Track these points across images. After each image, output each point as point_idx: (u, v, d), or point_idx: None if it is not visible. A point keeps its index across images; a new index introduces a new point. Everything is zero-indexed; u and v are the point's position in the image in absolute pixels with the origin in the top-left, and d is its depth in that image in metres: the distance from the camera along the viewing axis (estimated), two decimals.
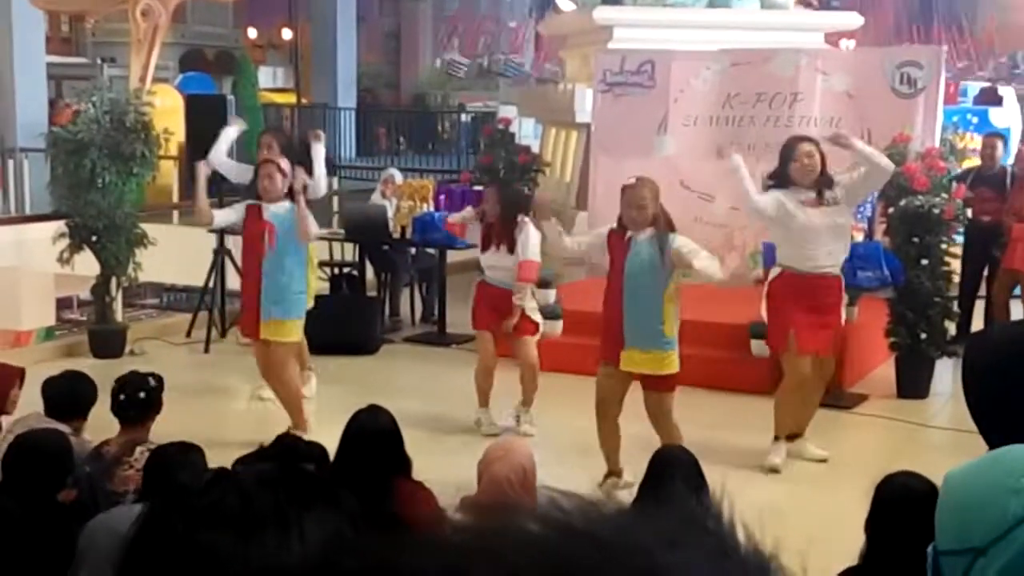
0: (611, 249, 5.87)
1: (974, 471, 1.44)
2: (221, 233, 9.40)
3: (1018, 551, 1.29)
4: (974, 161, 9.49)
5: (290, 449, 4.45)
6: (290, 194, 6.65)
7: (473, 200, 9.68)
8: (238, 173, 7.71)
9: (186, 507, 1.25)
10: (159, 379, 4.91)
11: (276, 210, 6.63)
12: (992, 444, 1.86)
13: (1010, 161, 10.12)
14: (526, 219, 6.91)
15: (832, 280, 6.33)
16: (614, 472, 5.98)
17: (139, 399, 4.75)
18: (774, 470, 6.33)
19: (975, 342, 2.27)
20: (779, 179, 6.31)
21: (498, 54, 31.65)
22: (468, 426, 6.92)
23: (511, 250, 6.94)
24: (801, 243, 6.23)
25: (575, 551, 0.65)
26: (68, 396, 5.00)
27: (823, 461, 6.48)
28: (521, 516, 0.67)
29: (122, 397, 4.73)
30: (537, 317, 7.04)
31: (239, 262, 9.33)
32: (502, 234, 6.98)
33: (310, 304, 6.96)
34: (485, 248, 7.08)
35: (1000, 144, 9.55)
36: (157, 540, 1.24)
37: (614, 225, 5.89)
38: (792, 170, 6.24)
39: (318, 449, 4.75)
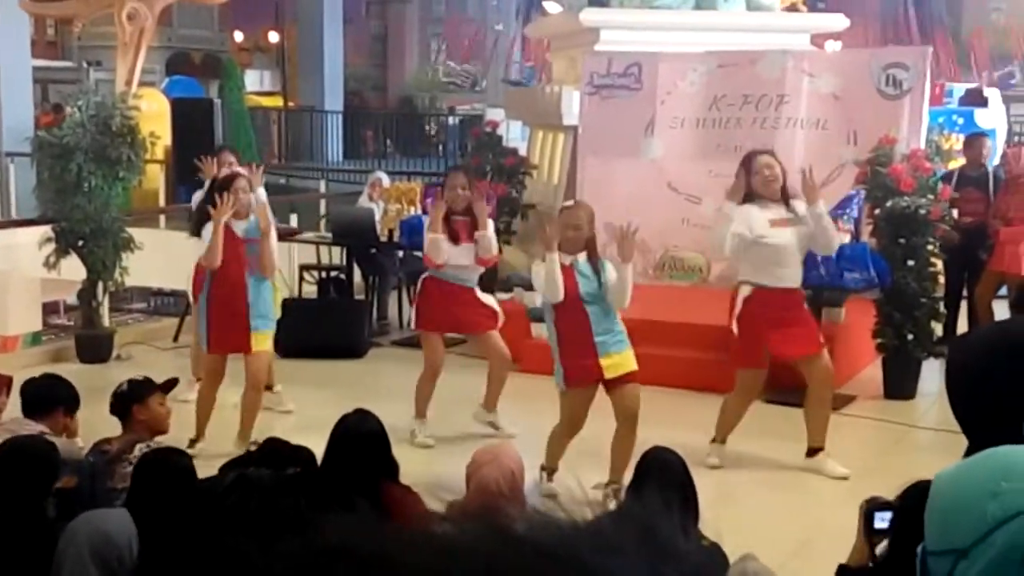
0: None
1: (958, 473, 1.45)
2: None
3: (997, 554, 1.30)
4: (960, 162, 9.53)
5: (277, 453, 4.45)
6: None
7: None
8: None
9: (207, 509, 1.26)
10: (144, 377, 4.99)
11: (248, 226, 6.59)
12: (974, 444, 1.86)
13: (995, 162, 10.16)
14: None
15: (797, 294, 6.47)
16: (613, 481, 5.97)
17: (119, 392, 4.87)
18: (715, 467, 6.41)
19: (958, 343, 2.29)
20: (746, 195, 6.38)
21: (496, 63, 31.59)
22: (456, 430, 6.91)
23: (470, 234, 6.73)
24: (774, 264, 6.30)
25: (510, 557, 0.65)
26: (42, 393, 5.08)
27: (844, 479, 6.38)
28: (467, 522, 0.68)
29: (111, 401, 4.80)
30: (496, 306, 6.92)
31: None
32: (465, 229, 6.71)
33: (278, 313, 7.02)
34: (455, 243, 6.74)
35: (988, 143, 9.58)
36: (179, 541, 1.25)
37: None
38: (755, 184, 6.34)
39: (305, 453, 4.75)
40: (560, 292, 5.74)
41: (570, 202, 6.03)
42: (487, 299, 6.87)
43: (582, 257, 5.87)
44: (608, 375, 5.84)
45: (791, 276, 6.35)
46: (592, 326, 5.81)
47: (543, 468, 6.08)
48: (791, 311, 6.37)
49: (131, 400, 4.83)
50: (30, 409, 4.99)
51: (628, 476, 5.77)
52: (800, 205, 6.33)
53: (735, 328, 6.45)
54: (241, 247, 6.52)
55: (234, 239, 6.53)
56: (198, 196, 7.68)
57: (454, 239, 6.72)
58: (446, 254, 6.69)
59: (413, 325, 7.09)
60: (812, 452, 6.52)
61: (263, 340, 6.68)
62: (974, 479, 1.38)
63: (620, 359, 5.87)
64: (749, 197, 6.35)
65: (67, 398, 5.12)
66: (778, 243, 6.25)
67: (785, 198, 6.34)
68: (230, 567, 1.06)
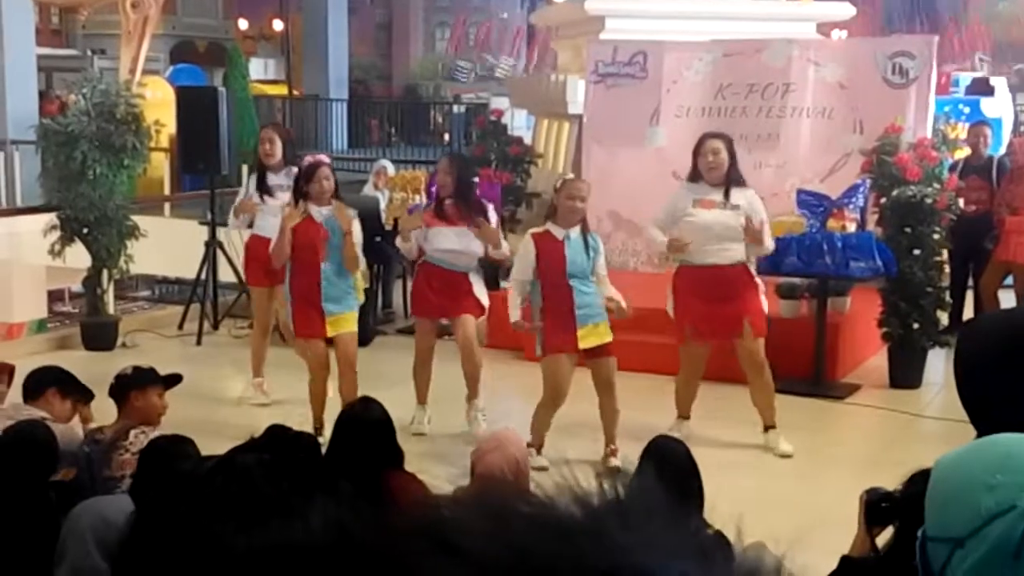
0: (544, 253, 6.09)
1: (958, 460, 1.45)
2: (212, 225, 9.39)
3: (990, 547, 1.30)
4: (966, 151, 9.50)
5: (280, 439, 4.45)
6: (336, 195, 6.59)
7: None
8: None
9: (190, 494, 1.25)
10: (151, 368, 5.00)
11: (328, 213, 6.50)
12: (981, 433, 1.86)
13: (1001, 151, 10.12)
14: (489, 206, 6.92)
15: (731, 270, 6.42)
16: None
17: (122, 375, 4.89)
18: (786, 455, 6.47)
19: (966, 331, 2.28)
20: (691, 174, 6.55)
21: (496, 56, 31.51)
22: (461, 417, 6.90)
23: (464, 216, 6.68)
24: (698, 242, 6.40)
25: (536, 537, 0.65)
26: (35, 377, 5.14)
27: (787, 456, 6.43)
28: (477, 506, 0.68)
29: (112, 384, 4.81)
30: (485, 300, 6.84)
31: (230, 254, 9.35)
32: (457, 213, 6.68)
33: (360, 298, 6.83)
34: (435, 226, 6.72)
35: (987, 132, 9.54)
36: (162, 528, 1.24)
37: (537, 229, 6.24)
38: (699, 164, 6.47)
39: (309, 439, 4.74)
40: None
41: (570, 175, 6.20)
42: (479, 290, 6.78)
43: (575, 232, 6.07)
44: (582, 345, 6.04)
45: (717, 255, 6.40)
46: (575, 299, 6.03)
47: (529, 444, 6.11)
48: (722, 288, 6.38)
49: (131, 385, 4.83)
50: (25, 396, 5.05)
51: (625, 447, 5.86)
52: (739, 195, 6.39)
53: (669, 307, 6.59)
54: (319, 233, 6.47)
55: (313, 224, 6.50)
56: (252, 184, 7.62)
57: (435, 223, 6.70)
58: (416, 246, 6.75)
59: (410, 311, 7.13)
60: (766, 428, 6.61)
61: (340, 323, 6.55)
62: (971, 470, 1.38)
63: (595, 330, 6.06)
64: (694, 176, 6.52)
65: (56, 379, 5.14)
66: (698, 221, 6.40)
67: (727, 184, 6.39)
68: (211, 551, 1.05)
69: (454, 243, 6.66)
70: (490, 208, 6.87)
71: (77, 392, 5.22)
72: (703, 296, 6.41)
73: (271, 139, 7.69)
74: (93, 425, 5.19)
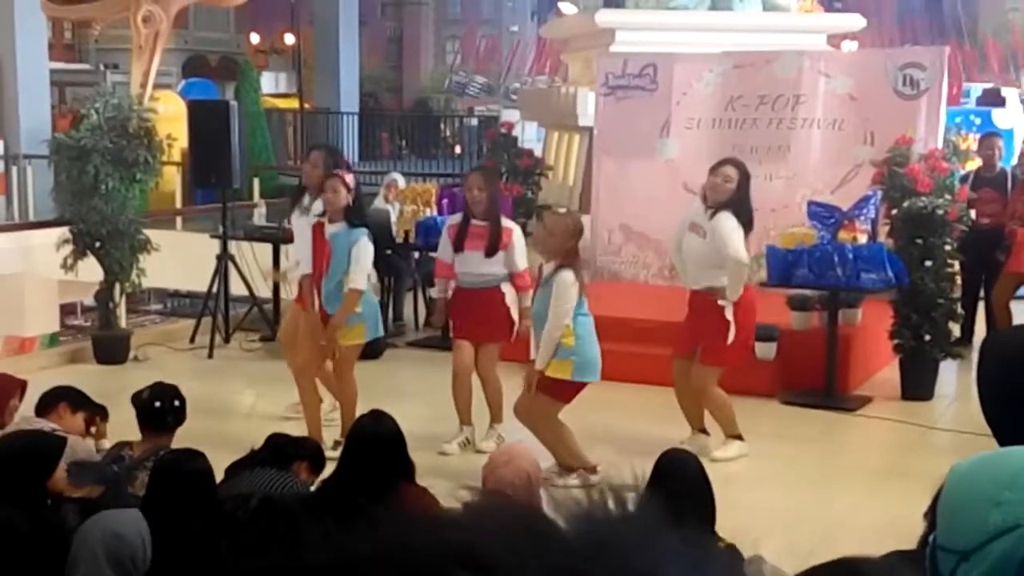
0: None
1: (969, 471, 1.44)
2: (224, 239, 9.41)
3: (992, 564, 1.30)
4: (977, 163, 9.48)
5: (281, 449, 4.46)
6: (349, 212, 6.48)
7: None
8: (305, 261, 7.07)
9: (236, 537, 1.26)
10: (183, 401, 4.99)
11: (334, 230, 6.47)
12: (1002, 442, 1.85)
13: (1013, 162, 10.09)
14: (514, 225, 6.83)
15: (704, 296, 6.42)
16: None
17: (173, 407, 4.83)
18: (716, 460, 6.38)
19: (990, 343, 2.27)
20: (702, 193, 6.58)
21: (505, 71, 31.57)
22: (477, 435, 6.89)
23: (489, 252, 6.59)
24: (685, 263, 6.59)
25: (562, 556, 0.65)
26: (47, 392, 5.20)
27: (715, 460, 6.35)
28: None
29: (157, 404, 4.79)
30: (516, 318, 6.69)
31: (242, 268, 9.38)
32: (485, 233, 6.61)
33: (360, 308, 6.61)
34: (459, 248, 6.66)
35: (1000, 143, 9.52)
36: (208, 570, 1.25)
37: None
38: (707, 184, 6.52)
39: (312, 444, 4.74)
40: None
41: (562, 210, 6.30)
42: (511, 301, 6.65)
43: (549, 267, 5.98)
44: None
45: (694, 278, 6.50)
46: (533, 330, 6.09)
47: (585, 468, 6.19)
48: (695, 311, 6.49)
49: (173, 423, 4.83)
50: (38, 412, 5.11)
51: (640, 461, 5.84)
52: (708, 226, 6.39)
53: None
54: (325, 248, 6.48)
55: (322, 239, 6.52)
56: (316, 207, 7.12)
57: (460, 247, 6.65)
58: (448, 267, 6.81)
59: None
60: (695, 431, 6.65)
61: (344, 334, 6.52)
62: (981, 483, 1.38)
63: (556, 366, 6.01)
64: (705, 196, 6.54)
65: (66, 394, 5.19)
66: (686, 246, 6.52)
67: (717, 209, 6.37)
68: None
69: (481, 266, 6.62)
70: (516, 231, 6.73)
71: (88, 407, 5.25)
72: (687, 317, 6.58)
73: (316, 162, 7.32)
74: (105, 441, 5.21)
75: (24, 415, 5.16)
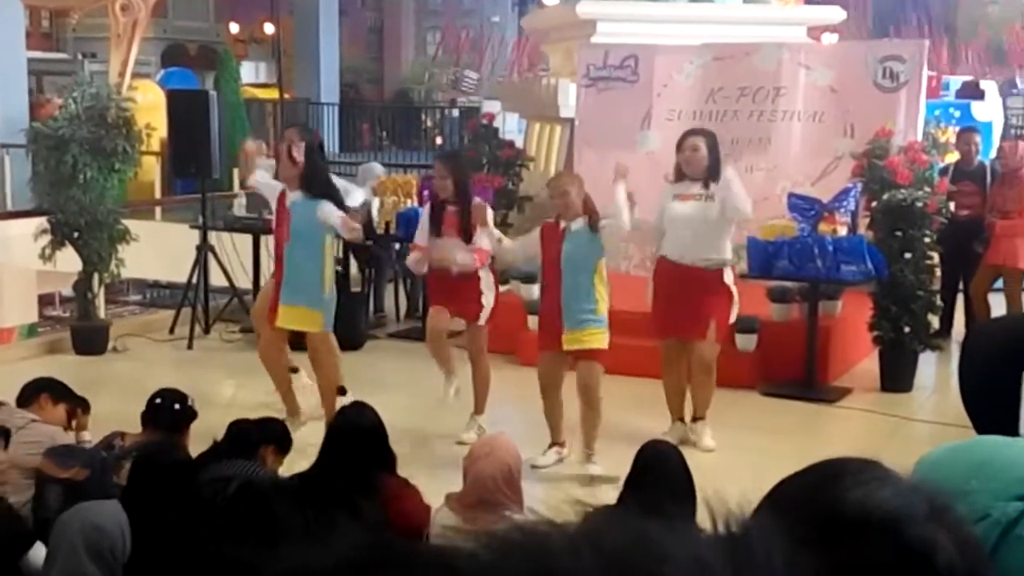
0: (546, 240, 6.14)
1: (938, 462, 1.44)
2: (204, 229, 9.38)
3: None
4: (956, 155, 9.52)
5: (244, 435, 4.44)
6: (306, 181, 6.52)
7: None
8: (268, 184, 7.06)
9: (214, 523, 1.26)
10: (190, 407, 4.99)
11: (294, 197, 6.55)
12: (981, 435, 1.86)
13: (992, 155, 10.14)
14: (484, 202, 6.75)
15: (703, 274, 6.42)
16: (557, 443, 6.36)
17: (171, 408, 4.84)
18: (708, 450, 6.50)
19: (972, 335, 2.28)
20: (675, 173, 6.56)
21: (491, 64, 31.43)
22: (453, 422, 6.90)
23: (466, 237, 6.53)
24: (671, 234, 6.50)
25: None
26: (27, 384, 5.22)
27: (709, 451, 6.46)
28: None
29: (158, 400, 4.80)
30: (489, 300, 6.67)
31: (221, 258, 9.35)
32: (456, 219, 6.56)
33: (326, 295, 6.71)
34: (436, 234, 6.62)
35: (977, 138, 9.56)
36: (188, 556, 1.25)
37: (550, 220, 6.23)
38: (679, 161, 6.50)
39: (276, 426, 4.70)
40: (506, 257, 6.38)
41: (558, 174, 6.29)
42: (487, 292, 6.66)
43: (576, 223, 6.02)
44: (566, 347, 6.03)
45: (690, 251, 6.42)
46: (564, 293, 6.01)
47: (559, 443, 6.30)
48: (691, 289, 6.41)
49: (171, 427, 4.81)
50: (19, 404, 5.07)
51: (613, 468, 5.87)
52: (717, 190, 6.37)
53: (649, 298, 6.65)
54: (286, 215, 6.55)
55: (283, 207, 6.59)
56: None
57: (437, 233, 6.61)
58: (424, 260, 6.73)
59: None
60: (694, 419, 6.67)
61: (296, 318, 6.59)
62: (948, 474, 1.38)
63: (581, 336, 6.00)
64: (678, 175, 6.54)
65: (47, 385, 5.19)
66: (675, 215, 6.45)
67: (707, 177, 6.40)
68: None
69: (454, 251, 6.57)
70: (488, 212, 6.72)
71: (70, 399, 5.23)
72: (675, 293, 6.46)
73: (292, 139, 7.29)
74: (86, 434, 5.19)
75: (6, 406, 5.13)
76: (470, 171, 6.90)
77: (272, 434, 4.57)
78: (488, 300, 6.65)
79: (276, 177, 6.78)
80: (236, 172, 7.55)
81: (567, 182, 6.19)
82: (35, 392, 5.15)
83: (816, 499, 0.99)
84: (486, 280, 6.65)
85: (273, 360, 6.81)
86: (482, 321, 6.67)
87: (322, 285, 6.61)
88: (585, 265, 6.01)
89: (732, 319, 6.68)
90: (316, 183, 6.56)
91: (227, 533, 1.02)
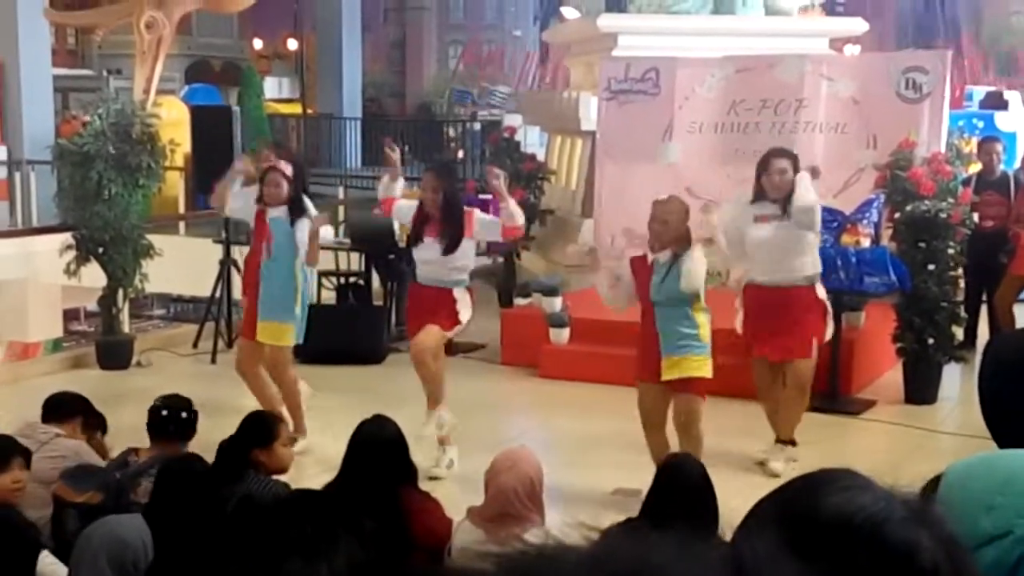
0: (636, 274, 5.92)
1: (967, 473, 1.43)
2: (227, 244, 9.42)
3: (984, 570, 1.28)
4: (979, 166, 9.47)
5: (228, 453, 4.39)
6: (293, 206, 6.69)
7: (477, 208, 9.66)
8: (245, 208, 7.15)
9: (215, 540, 1.27)
10: (194, 413, 4.98)
11: (276, 215, 6.72)
12: (1003, 445, 1.84)
13: (1016, 165, 10.08)
14: (473, 212, 6.54)
15: (795, 291, 6.35)
16: None
17: (180, 418, 4.83)
18: (774, 475, 6.32)
19: (992, 346, 2.26)
20: (755, 192, 6.41)
21: (518, 79, 31.46)
22: (475, 435, 6.90)
23: (449, 248, 6.34)
24: (755, 257, 6.37)
25: None
26: (65, 399, 5.21)
27: (775, 476, 6.27)
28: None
29: (164, 412, 4.81)
30: (465, 315, 6.45)
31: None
32: (441, 228, 6.36)
33: (298, 310, 6.84)
34: (417, 241, 6.45)
35: (999, 148, 9.51)
36: (210, 571, 1.26)
37: (638, 254, 5.97)
38: (764, 182, 6.35)
39: (250, 425, 4.66)
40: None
41: (663, 197, 5.91)
42: (463, 305, 6.45)
43: (663, 255, 5.79)
44: (665, 377, 5.75)
45: (781, 274, 6.32)
46: (659, 325, 5.77)
47: None
48: (783, 308, 6.31)
49: (177, 436, 4.82)
50: (46, 413, 5.04)
51: (635, 481, 5.84)
52: (791, 208, 6.26)
53: (738, 324, 6.53)
54: (265, 231, 6.72)
55: (263, 224, 6.74)
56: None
57: (418, 237, 6.44)
58: (387, 192, 6.67)
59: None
60: (778, 440, 6.56)
61: (271, 332, 6.75)
62: (974, 488, 1.37)
63: (681, 362, 5.75)
64: (758, 195, 6.38)
65: (84, 411, 5.16)
66: (756, 237, 6.32)
67: (786, 198, 6.29)
68: None
69: (440, 265, 6.40)
70: (475, 212, 6.55)
71: (99, 428, 5.23)
72: (764, 315, 6.33)
73: (269, 157, 7.41)
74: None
75: (28, 420, 5.14)
76: (459, 183, 6.77)
77: (250, 436, 4.55)
78: (464, 317, 6.47)
79: (260, 196, 6.79)
80: (211, 198, 7.61)
81: (669, 210, 5.83)
82: (69, 413, 5.10)
83: (796, 509, 0.98)
84: (463, 299, 6.45)
85: (253, 372, 6.93)
86: (452, 333, 6.56)
87: (296, 300, 6.80)
88: (678, 295, 5.77)
89: (828, 335, 6.58)
90: (299, 203, 6.74)
91: (228, 551, 1.02)
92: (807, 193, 6.26)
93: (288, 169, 6.80)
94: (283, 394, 6.92)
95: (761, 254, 6.34)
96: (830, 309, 6.56)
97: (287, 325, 6.77)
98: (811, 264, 6.43)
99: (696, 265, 5.72)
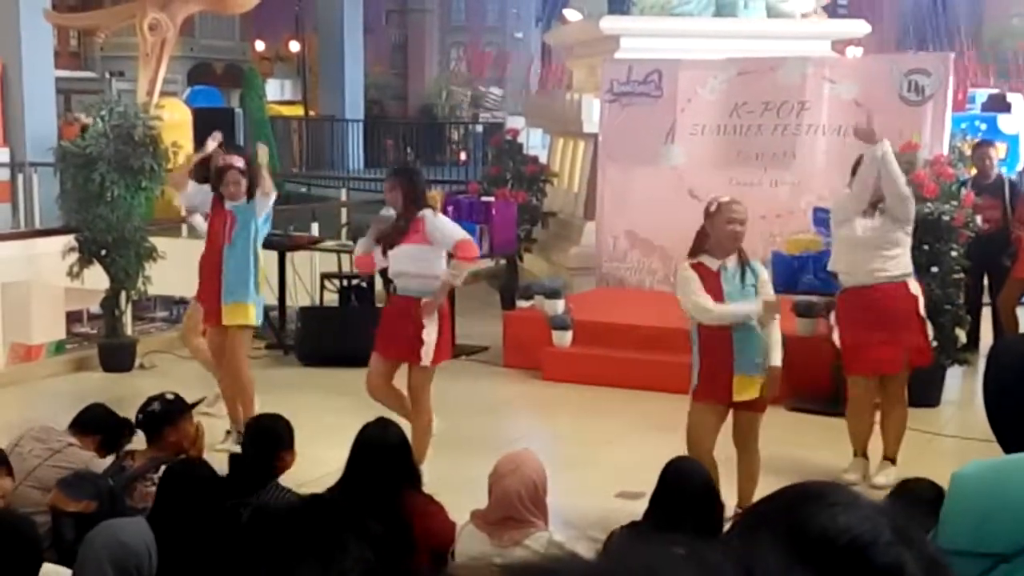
0: (703, 281, 5.29)
1: (993, 477, 1.42)
2: None
3: None
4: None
5: (250, 464, 4.36)
6: (250, 191, 6.85)
7: (480, 211, 9.69)
8: (202, 201, 7.24)
9: (230, 547, 1.27)
10: (176, 395, 4.96)
11: (236, 204, 6.83)
12: (1008, 450, 1.85)
13: (1019, 168, 10.07)
14: (427, 211, 6.12)
15: (890, 289, 6.08)
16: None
17: (151, 412, 4.80)
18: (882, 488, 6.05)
19: (997, 349, 2.26)
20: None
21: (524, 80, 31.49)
22: (477, 438, 6.90)
23: (404, 228, 6.07)
24: (850, 254, 6.16)
25: None
26: (98, 416, 5.14)
27: (881, 488, 6.07)
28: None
29: (140, 416, 4.81)
30: (431, 337, 6.05)
31: None
32: (406, 230, 6.09)
33: (256, 292, 6.94)
34: (389, 249, 6.13)
35: (992, 152, 9.50)
36: (202, 565, 1.26)
37: (694, 261, 5.35)
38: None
39: (266, 430, 4.62)
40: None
41: (725, 198, 5.38)
42: (429, 327, 6.03)
43: (731, 261, 5.31)
44: (736, 397, 5.34)
45: (872, 273, 6.05)
46: (734, 340, 5.27)
47: None
48: (881, 309, 6.02)
49: (164, 421, 4.81)
50: (76, 424, 5.00)
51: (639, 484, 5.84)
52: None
53: (835, 336, 6.34)
54: (228, 217, 6.78)
55: (221, 210, 6.80)
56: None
57: (389, 244, 6.18)
58: (371, 252, 6.30)
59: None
60: (886, 458, 6.46)
61: (234, 312, 6.80)
62: (1016, 486, 1.36)
63: (748, 383, 5.34)
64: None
65: (100, 423, 5.09)
66: (851, 235, 6.13)
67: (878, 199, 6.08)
68: None
69: (408, 264, 6.11)
70: (426, 213, 6.13)
71: (115, 448, 5.21)
72: (862, 321, 6.06)
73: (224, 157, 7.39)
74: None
75: (44, 424, 5.09)
76: (422, 186, 6.47)
77: (272, 439, 4.51)
78: (430, 336, 6.03)
79: (216, 190, 6.90)
80: (178, 198, 7.73)
81: (745, 211, 5.34)
82: (93, 430, 5.01)
83: (783, 526, 0.98)
84: (430, 318, 6.05)
85: (220, 357, 6.99)
86: (425, 361, 6.05)
87: (256, 281, 6.90)
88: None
89: (931, 333, 6.36)
90: (254, 192, 6.90)
91: (241, 557, 1.02)
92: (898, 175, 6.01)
93: (240, 162, 6.91)
94: (234, 381, 6.92)
95: (854, 252, 6.08)
96: (922, 300, 6.22)
97: (249, 304, 6.84)
98: (901, 260, 6.16)
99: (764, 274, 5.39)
